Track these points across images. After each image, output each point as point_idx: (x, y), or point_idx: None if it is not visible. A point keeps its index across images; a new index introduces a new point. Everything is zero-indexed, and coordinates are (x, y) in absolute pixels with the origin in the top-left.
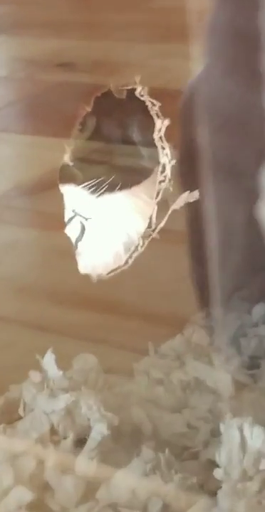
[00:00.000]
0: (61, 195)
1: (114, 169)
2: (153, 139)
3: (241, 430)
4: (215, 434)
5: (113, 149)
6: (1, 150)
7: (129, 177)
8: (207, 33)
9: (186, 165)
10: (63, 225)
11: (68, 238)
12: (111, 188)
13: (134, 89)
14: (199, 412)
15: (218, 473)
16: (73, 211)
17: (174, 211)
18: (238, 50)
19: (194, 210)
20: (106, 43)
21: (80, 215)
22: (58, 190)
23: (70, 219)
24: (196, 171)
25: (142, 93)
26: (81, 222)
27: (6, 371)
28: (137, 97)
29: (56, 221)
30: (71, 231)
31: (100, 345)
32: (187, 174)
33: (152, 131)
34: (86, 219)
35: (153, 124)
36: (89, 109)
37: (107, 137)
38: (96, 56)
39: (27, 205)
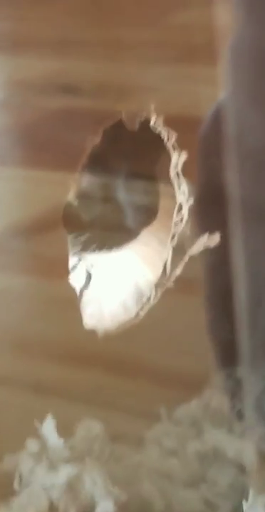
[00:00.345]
0: (63, 238)
1: (124, 209)
2: (169, 175)
3: None
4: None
5: (124, 186)
6: None
7: (141, 218)
8: (230, 55)
9: (206, 204)
10: (65, 271)
11: (72, 287)
12: (120, 232)
13: (148, 119)
14: (219, 488)
15: None
16: (78, 257)
17: (192, 257)
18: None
19: (214, 256)
20: (115, 64)
21: (86, 262)
22: (59, 231)
23: (75, 265)
24: (217, 212)
25: (157, 123)
26: (87, 270)
27: (0, 438)
28: (151, 128)
29: (57, 267)
30: (76, 279)
31: (105, 409)
32: (207, 214)
33: (168, 166)
34: (92, 266)
35: (169, 158)
36: (97, 141)
37: (118, 173)
38: (104, 79)
39: (24, 248)
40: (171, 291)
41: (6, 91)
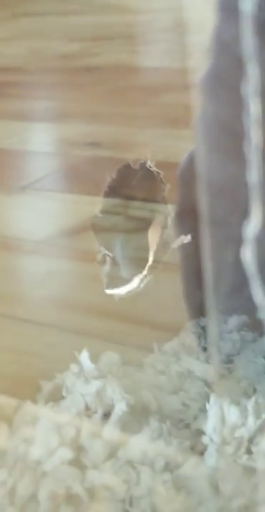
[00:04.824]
0: (91, 237)
1: (130, 219)
2: (159, 198)
3: (221, 408)
4: (202, 410)
5: (130, 205)
6: (48, 204)
7: (141, 224)
8: (197, 122)
9: (182, 217)
10: (93, 257)
11: (99, 268)
12: (128, 233)
13: (145, 162)
14: (191, 394)
15: (205, 439)
16: (102, 250)
17: (173, 249)
18: (219, 135)
19: (186, 249)
20: (123, 128)
21: (107, 253)
22: (89, 233)
23: (100, 255)
24: (190, 221)
25: (150, 165)
26: (108, 258)
27: (53, 363)
28: (147, 168)
29: (88, 255)
30: (101, 264)
31: (119, 345)
32: (183, 222)
33: (158, 192)
34: (111, 256)
35: (159, 187)
36: (114, 177)
37: (126, 196)
38: (116, 138)
39: (67, 244)
40: (161, 270)
41: (56, 146)
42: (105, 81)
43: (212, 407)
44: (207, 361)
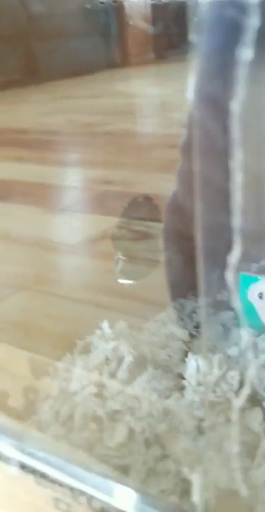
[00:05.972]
0: (110, 244)
1: (135, 232)
2: (156, 219)
3: (196, 361)
4: (181, 360)
5: (136, 222)
6: (78, 220)
7: (142, 235)
8: (177, 174)
9: (166, 234)
10: (111, 258)
11: (114, 266)
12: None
13: (146, 197)
14: (173, 349)
15: (185, 382)
16: (117, 254)
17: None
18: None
19: (170, 254)
20: (128, 172)
21: (121, 257)
22: (108, 241)
23: (116, 258)
24: (171, 237)
25: (149, 198)
26: (121, 260)
27: (83, 327)
28: (147, 201)
29: (106, 256)
30: (116, 264)
31: (126, 315)
32: (166, 238)
33: (155, 214)
34: (123, 259)
35: (155, 212)
36: (125, 206)
37: (134, 217)
38: (124, 178)
39: (91, 247)
40: (155, 267)
41: (82, 182)
42: (115, 142)
43: (190, 361)
44: (184, 327)
